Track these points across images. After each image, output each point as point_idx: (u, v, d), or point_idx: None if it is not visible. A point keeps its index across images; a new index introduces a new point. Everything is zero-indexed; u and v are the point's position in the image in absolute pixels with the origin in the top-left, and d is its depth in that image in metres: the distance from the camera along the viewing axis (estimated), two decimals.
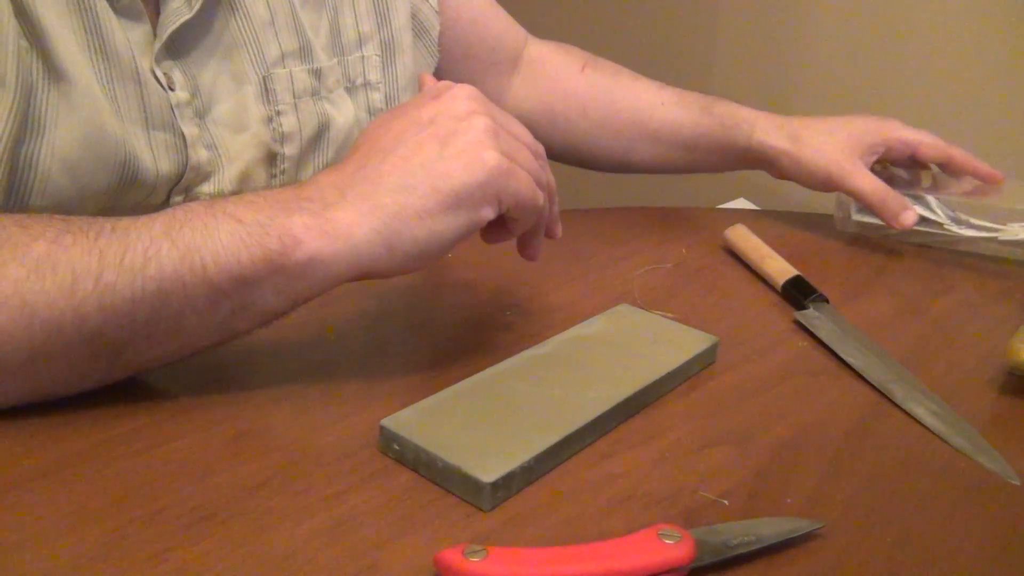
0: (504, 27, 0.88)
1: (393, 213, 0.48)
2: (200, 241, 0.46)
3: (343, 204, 0.48)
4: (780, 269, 0.70)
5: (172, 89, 0.61)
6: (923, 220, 0.78)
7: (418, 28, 0.79)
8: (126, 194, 0.59)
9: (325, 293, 0.49)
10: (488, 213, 0.50)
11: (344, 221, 0.47)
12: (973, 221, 0.76)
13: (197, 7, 0.61)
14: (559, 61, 0.89)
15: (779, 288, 0.69)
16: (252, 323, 0.49)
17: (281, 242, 0.46)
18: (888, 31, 1.51)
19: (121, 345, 0.46)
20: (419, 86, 0.64)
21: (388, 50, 0.76)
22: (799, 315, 0.65)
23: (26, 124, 0.55)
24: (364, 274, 0.49)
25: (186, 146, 0.62)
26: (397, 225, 0.48)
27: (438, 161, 0.49)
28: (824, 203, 0.88)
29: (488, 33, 0.86)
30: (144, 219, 0.47)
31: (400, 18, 0.76)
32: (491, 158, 0.49)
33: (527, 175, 0.51)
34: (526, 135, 0.55)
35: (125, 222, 0.47)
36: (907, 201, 0.76)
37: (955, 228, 0.76)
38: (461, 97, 0.52)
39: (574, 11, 1.86)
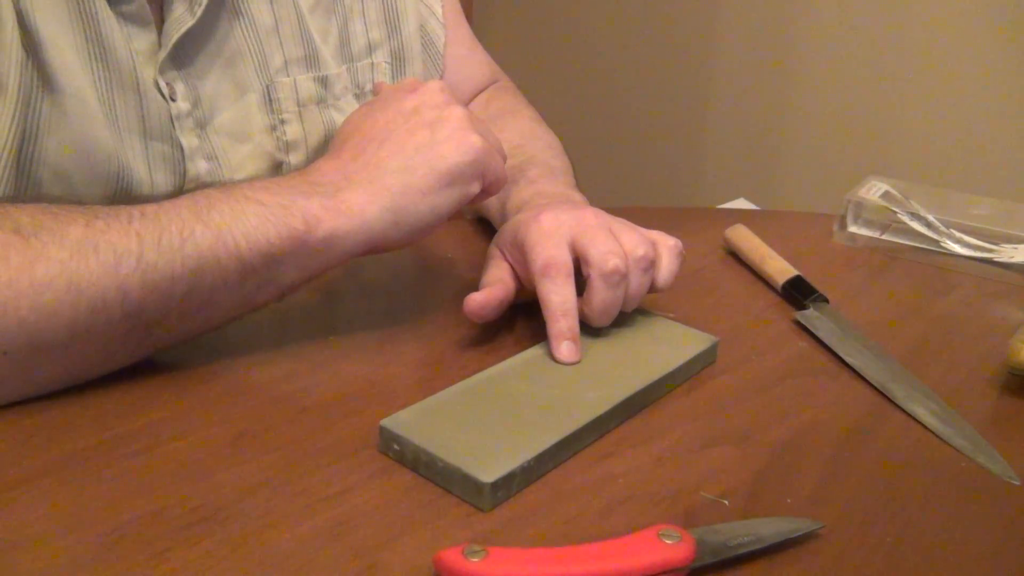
0: (469, 73, 0.84)
1: (399, 192, 0.52)
2: (230, 222, 0.49)
3: (352, 187, 0.52)
4: (780, 269, 0.70)
5: (174, 100, 0.61)
6: (921, 237, 0.78)
7: (425, 40, 0.79)
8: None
9: (338, 266, 0.53)
10: (476, 188, 0.55)
11: (357, 202, 0.52)
12: (968, 240, 0.76)
13: (200, 13, 0.61)
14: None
15: (779, 288, 0.69)
16: (271, 296, 0.52)
17: (304, 221, 0.50)
18: (887, 31, 1.51)
19: (155, 322, 0.49)
20: (375, 91, 0.65)
21: (398, 58, 0.76)
22: (799, 315, 0.65)
23: (24, 131, 0.55)
24: (374, 248, 0.53)
25: (184, 157, 0.62)
26: (403, 203, 0.52)
27: (431, 145, 0.54)
28: (824, 203, 0.88)
29: (453, 72, 0.82)
30: (167, 204, 0.49)
31: (410, 27, 0.76)
32: (476, 140, 0.54)
33: (499, 156, 0.57)
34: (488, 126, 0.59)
35: (151, 207, 0.49)
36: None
37: (951, 245, 0.77)
38: (436, 90, 0.57)
39: (575, 10, 1.86)
